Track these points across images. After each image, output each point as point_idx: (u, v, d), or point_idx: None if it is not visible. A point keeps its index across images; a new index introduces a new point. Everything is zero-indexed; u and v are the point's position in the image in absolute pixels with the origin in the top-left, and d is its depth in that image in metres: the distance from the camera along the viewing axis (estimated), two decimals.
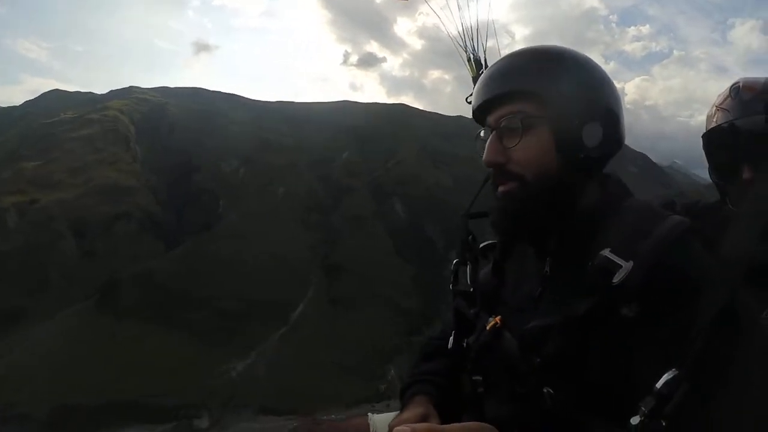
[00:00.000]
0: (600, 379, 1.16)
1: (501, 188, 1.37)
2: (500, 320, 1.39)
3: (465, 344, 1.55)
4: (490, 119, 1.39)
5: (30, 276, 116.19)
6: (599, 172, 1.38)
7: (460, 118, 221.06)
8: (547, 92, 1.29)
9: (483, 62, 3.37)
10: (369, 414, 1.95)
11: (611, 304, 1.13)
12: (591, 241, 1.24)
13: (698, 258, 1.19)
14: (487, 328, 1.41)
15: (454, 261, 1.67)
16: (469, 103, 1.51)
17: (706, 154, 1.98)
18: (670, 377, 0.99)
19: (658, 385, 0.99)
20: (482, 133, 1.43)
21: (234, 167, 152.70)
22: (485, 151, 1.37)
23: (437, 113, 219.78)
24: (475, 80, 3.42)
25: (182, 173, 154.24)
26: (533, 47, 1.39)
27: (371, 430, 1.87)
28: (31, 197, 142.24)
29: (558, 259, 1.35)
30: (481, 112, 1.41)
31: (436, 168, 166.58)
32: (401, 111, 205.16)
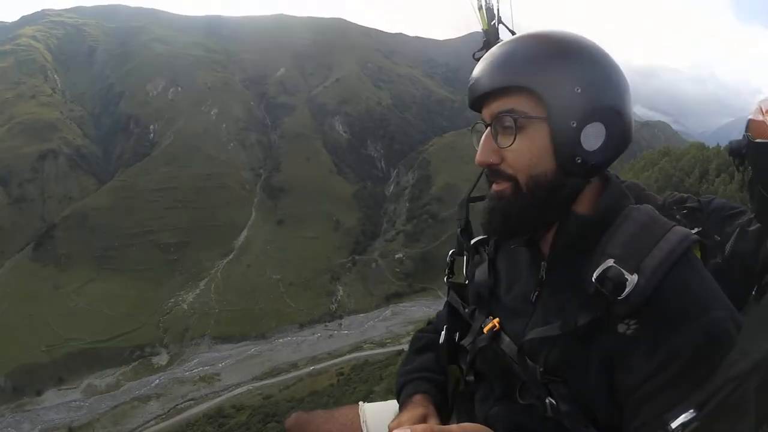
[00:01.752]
0: (595, 392, 1.17)
1: (494, 187, 1.32)
2: (498, 323, 1.39)
3: (457, 341, 1.55)
4: (485, 112, 1.32)
5: None
6: (598, 175, 1.29)
7: (399, 35, 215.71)
8: (546, 91, 1.21)
9: (496, 13, 3.21)
10: (360, 403, 1.98)
11: (612, 317, 1.13)
12: (589, 248, 1.21)
13: (701, 279, 1.16)
14: (485, 330, 1.40)
15: (450, 251, 1.63)
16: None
17: (752, 164, 1.82)
18: (686, 419, 0.98)
19: (674, 425, 0.98)
20: (477, 126, 1.36)
21: (162, 89, 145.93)
22: (478, 149, 1.31)
23: (377, 29, 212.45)
24: (486, 35, 3.28)
25: (108, 100, 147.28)
26: (539, 35, 1.30)
27: (361, 418, 1.86)
28: None
29: (554, 263, 1.31)
30: (476, 101, 1.33)
31: (375, 86, 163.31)
32: (340, 26, 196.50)
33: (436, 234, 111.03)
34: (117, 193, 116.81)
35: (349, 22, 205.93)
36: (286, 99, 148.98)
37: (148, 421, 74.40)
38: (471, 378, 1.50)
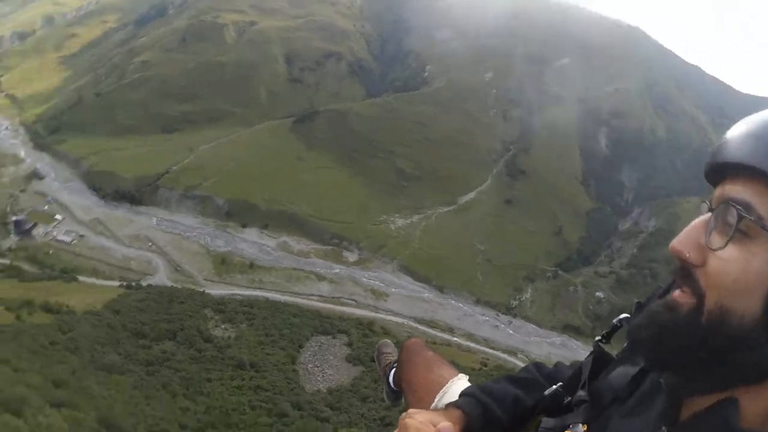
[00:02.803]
0: None
1: (675, 293, 1.08)
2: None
3: (562, 402, 1.44)
4: (717, 192, 1.06)
5: (240, 87, 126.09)
6: None
7: (696, 68, 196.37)
8: None
9: None
10: (461, 375, 2.06)
11: None
12: (734, 410, 0.98)
13: None
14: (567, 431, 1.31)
15: (622, 316, 1.43)
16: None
17: None
18: None
19: None
20: (702, 206, 1.09)
21: (447, 38, 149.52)
22: (681, 233, 1.08)
23: (673, 53, 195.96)
24: None
25: (396, 30, 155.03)
26: None
27: (444, 388, 1.96)
28: (251, 19, 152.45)
29: (692, 419, 1.08)
30: (713, 172, 1.09)
31: (655, 113, 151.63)
32: (636, 36, 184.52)
33: (648, 294, 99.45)
34: (379, 109, 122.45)
35: (648, 36, 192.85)
36: (559, 90, 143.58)
37: (311, 295, 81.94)
38: None
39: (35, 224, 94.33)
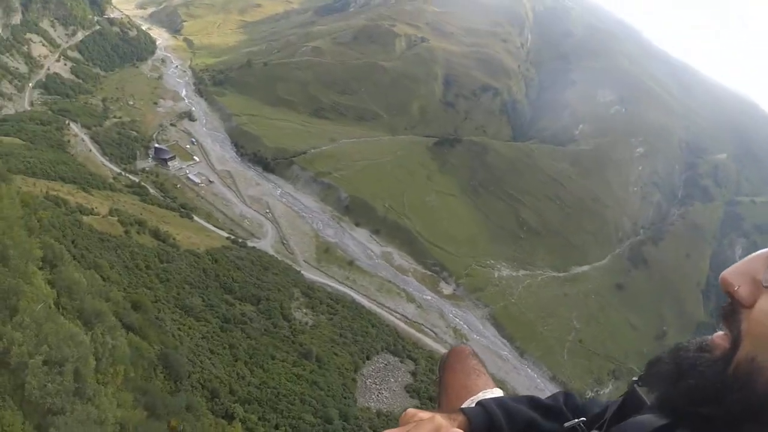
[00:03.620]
0: None
1: (715, 334, 1.03)
2: None
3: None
4: None
5: (395, 95, 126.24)
6: None
7: None
8: None
9: None
10: (495, 389, 2.08)
11: None
12: None
13: None
14: None
15: (633, 379, 1.34)
16: None
17: None
18: None
19: None
20: None
21: (608, 102, 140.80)
22: (738, 262, 1.01)
23: None
24: None
25: (558, 80, 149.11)
26: None
27: (472, 398, 1.97)
28: (423, 35, 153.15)
29: None
30: None
31: None
32: None
33: None
34: (519, 153, 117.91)
35: None
36: (709, 185, 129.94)
37: (395, 312, 79.03)
38: None
39: (174, 157, 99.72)
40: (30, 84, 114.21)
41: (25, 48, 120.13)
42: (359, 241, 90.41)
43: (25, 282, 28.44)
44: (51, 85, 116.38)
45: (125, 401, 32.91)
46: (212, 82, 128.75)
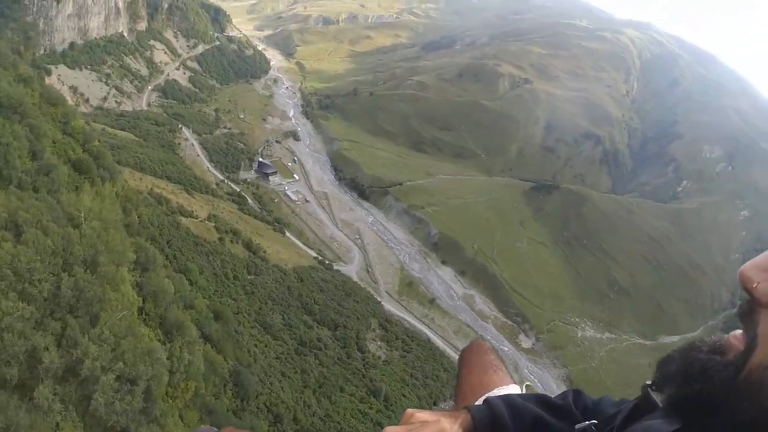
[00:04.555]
0: None
1: (731, 334, 0.98)
2: None
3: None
4: None
5: (494, 136, 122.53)
6: None
7: None
8: None
9: None
10: (512, 386, 2.03)
11: None
12: None
13: None
14: None
15: (646, 382, 1.27)
16: None
17: None
18: None
19: None
20: None
21: (714, 158, 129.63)
22: (761, 255, 0.99)
23: None
24: None
25: (662, 132, 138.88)
26: None
27: (487, 393, 1.95)
28: (527, 77, 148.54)
29: None
30: None
31: None
32: None
33: None
34: (618, 207, 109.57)
35: None
36: None
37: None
38: None
39: (275, 172, 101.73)
40: (149, 86, 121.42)
41: (147, 53, 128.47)
42: (443, 280, 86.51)
43: (111, 288, 27.98)
44: (169, 90, 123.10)
45: (191, 419, 31.68)
46: (319, 106, 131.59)
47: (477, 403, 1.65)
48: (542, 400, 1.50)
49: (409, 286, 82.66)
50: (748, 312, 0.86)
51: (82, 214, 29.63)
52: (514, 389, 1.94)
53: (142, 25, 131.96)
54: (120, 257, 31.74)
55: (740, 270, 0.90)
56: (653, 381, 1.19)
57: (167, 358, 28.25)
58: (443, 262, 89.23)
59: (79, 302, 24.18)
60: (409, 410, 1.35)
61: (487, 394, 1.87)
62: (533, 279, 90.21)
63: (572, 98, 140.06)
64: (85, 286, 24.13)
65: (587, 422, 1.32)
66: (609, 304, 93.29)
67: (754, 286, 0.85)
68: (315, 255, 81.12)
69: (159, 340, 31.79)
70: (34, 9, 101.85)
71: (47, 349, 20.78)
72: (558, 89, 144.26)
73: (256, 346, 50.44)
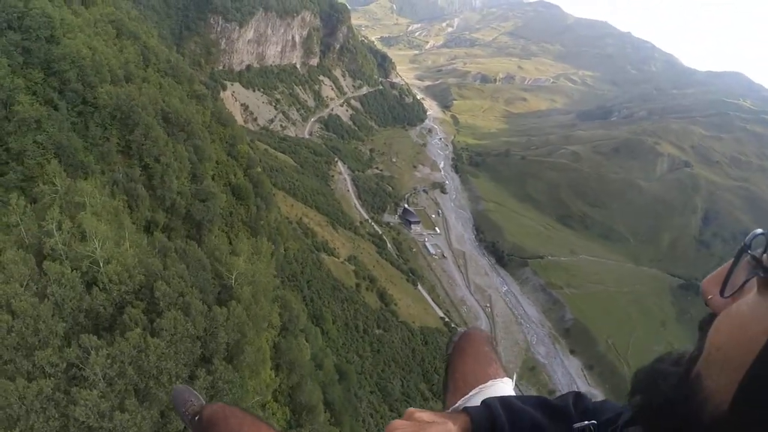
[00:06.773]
0: None
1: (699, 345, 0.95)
2: None
3: None
4: None
5: (645, 220, 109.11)
6: None
7: None
8: None
9: None
10: (506, 379, 1.91)
11: None
12: None
13: None
14: None
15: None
16: None
17: None
18: None
19: None
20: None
21: None
22: (716, 270, 0.92)
23: None
24: None
25: None
26: None
27: (481, 385, 1.84)
28: (688, 159, 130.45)
29: None
30: None
31: None
32: None
33: None
34: None
35: None
36: None
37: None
38: None
39: (418, 222, 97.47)
40: (313, 117, 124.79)
41: (316, 86, 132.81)
42: (568, 371, 75.53)
43: (250, 375, 24.27)
44: (330, 124, 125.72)
45: None
46: (469, 162, 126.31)
47: (470, 396, 1.64)
48: (541, 402, 1.42)
49: (531, 371, 73.03)
50: (708, 323, 0.83)
51: (233, 279, 26.20)
52: (507, 382, 1.86)
53: (315, 61, 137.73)
54: (265, 324, 28.19)
55: (702, 282, 0.89)
56: (628, 392, 1.11)
57: None
58: (572, 352, 77.90)
59: (210, 393, 20.25)
60: (410, 409, 1.28)
61: (480, 388, 1.80)
62: None
63: (734, 188, 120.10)
64: (221, 380, 20.11)
65: (586, 422, 1.26)
66: None
67: (709, 298, 0.84)
68: (442, 315, 74.82)
69: (287, 422, 27.62)
70: (218, 29, 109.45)
71: None
72: (719, 176, 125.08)
73: (371, 416, 45.15)
